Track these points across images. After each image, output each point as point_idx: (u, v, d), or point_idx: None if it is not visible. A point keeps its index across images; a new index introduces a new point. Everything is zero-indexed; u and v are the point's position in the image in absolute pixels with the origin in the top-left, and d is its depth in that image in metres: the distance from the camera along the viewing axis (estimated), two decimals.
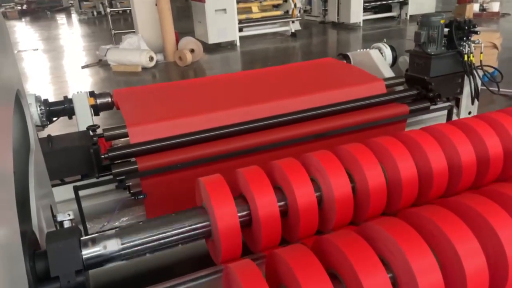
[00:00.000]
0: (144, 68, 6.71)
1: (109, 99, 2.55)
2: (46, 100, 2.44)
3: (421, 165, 1.53)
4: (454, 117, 2.65)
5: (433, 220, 1.15)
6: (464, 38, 2.55)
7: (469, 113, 2.78)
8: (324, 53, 7.76)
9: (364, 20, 9.78)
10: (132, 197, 1.94)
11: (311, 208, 1.40)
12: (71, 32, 12.62)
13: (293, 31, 9.00)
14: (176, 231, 1.29)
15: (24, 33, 12.39)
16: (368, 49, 3.00)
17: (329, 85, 2.62)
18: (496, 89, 2.60)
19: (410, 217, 1.22)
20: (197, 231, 1.32)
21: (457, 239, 1.10)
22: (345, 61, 3.12)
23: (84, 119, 2.21)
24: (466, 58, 2.54)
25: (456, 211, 1.21)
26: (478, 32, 2.52)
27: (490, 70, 2.77)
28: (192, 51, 6.95)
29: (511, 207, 1.20)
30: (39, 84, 6.51)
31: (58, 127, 2.78)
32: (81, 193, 1.87)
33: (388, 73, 2.84)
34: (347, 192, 1.43)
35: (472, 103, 2.63)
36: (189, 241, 1.33)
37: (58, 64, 8.00)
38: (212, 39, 8.03)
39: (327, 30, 9.78)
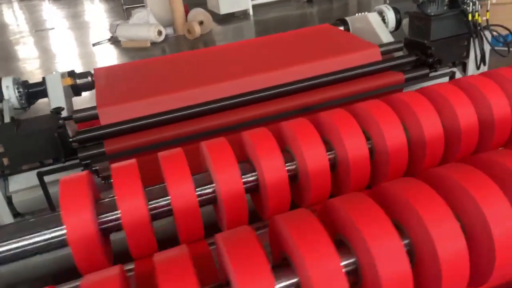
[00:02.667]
0: (154, 43, 6.60)
1: (90, 79, 2.47)
2: (25, 82, 2.38)
3: (448, 122, 1.38)
4: None
5: (456, 179, 0.99)
6: None
7: None
8: None
9: None
10: (102, 181, 1.87)
11: (323, 172, 1.29)
12: (90, 9, 12.60)
13: None
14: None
15: (46, 12, 12.49)
16: (366, 13, 2.76)
17: (320, 55, 2.43)
18: (506, 49, 2.34)
19: (430, 177, 1.07)
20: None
21: (486, 202, 0.94)
22: (342, 27, 2.90)
23: (57, 100, 2.14)
24: (470, 18, 2.28)
25: (485, 169, 1.03)
26: None
27: (504, 31, 2.49)
28: (201, 23, 6.77)
29: None
30: (46, 65, 6.54)
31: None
32: (52, 178, 1.82)
33: (387, 38, 2.61)
34: (363, 153, 1.32)
35: (478, 68, 2.38)
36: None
37: (71, 42, 8.02)
38: (224, 9, 7.78)
39: None
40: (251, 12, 8.09)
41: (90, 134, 1.89)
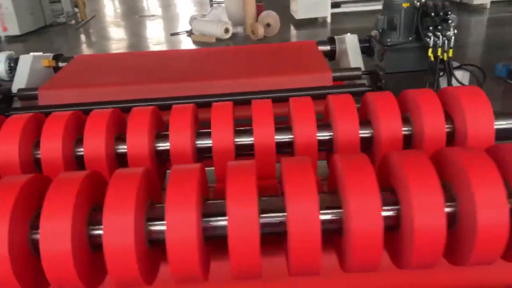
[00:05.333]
0: (220, 40, 6.88)
1: None
2: (17, 59, 2.74)
3: None
4: None
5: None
6: (437, 27, 2.03)
7: None
8: None
9: (493, 2, 8.29)
10: None
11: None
12: (183, 1, 13.39)
13: None
14: None
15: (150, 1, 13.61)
16: (347, 34, 2.59)
17: (275, 71, 2.37)
18: None
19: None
20: None
21: None
22: (328, 46, 2.76)
23: (20, 81, 2.41)
24: (430, 53, 2.02)
25: None
26: (450, 22, 1.98)
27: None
28: (268, 25, 6.86)
29: None
30: (126, 46, 7.21)
31: None
32: None
33: (357, 62, 2.43)
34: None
35: None
36: None
37: (158, 30, 8.72)
38: (301, 14, 7.77)
39: None
40: (329, 20, 7.94)
41: (22, 112, 2.12)
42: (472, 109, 1.25)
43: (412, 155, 0.98)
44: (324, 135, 1.37)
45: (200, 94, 2.22)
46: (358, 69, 2.29)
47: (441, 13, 1.97)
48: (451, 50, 2.01)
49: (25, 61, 2.50)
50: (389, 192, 0.95)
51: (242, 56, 2.68)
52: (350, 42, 2.50)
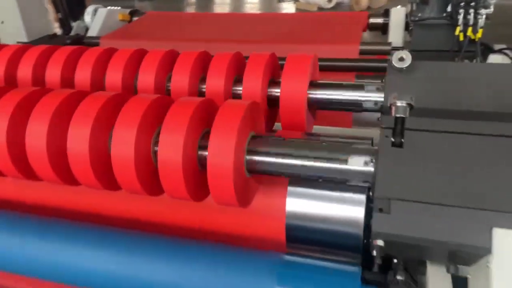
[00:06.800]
0: (321, 8, 6.78)
1: None
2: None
3: None
4: None
5: None
6: (469, 3, 1.83)
7: None
8: None
9: None
10: None
11: None
12: None
13: None
14: None
15: None
16: (397, 7, 2.44)
17: (308, 39, 2.39)
18: None
19: None
20: None
21: None
22: (381, 19, 2.63)
23: (93, 30, 2.82)
24: (458, 32, 1.85)
25: None
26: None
27: None
28: None
29: None
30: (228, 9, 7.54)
31: None
32: None
33: (396, 37, 2.30)
34: None
35: None
36: None
37: None
38: None
39: None
40: None
41: None
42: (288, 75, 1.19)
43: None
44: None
45: None
46: (388, 44, 2.19)
47: None
48: (480, 31, 1.82)
49: (101, 14, 2.91)
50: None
51: (288, 23, 2.73)
52: (395, 16, 2.37)
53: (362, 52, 2.20)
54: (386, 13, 2.63)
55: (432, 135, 0.75)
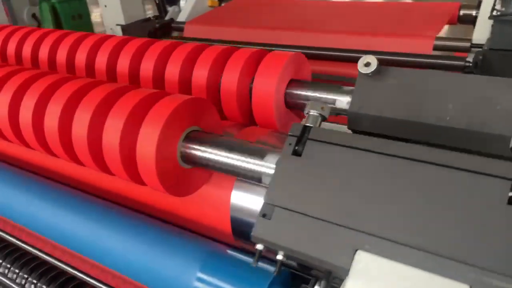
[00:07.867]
0: None
1: None
2: None
3: None
4: None
5: None
6: None
7: None
8: None
9: None
10: None
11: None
12: None
13: None
14: None
15: None
16: None
17: (384, 30, 2.27)
18: None
19: None
20: None
21: None
22: (474, 11, 2.38)
23: (182, 16, 3.02)
24: None
25: None
26: None
27: None
28: None
29: None
30: None
31: None
32: None
33: (479, 32, 2.07)
34: None
35: None
36: None
37: None
38: None
39: None
40: None
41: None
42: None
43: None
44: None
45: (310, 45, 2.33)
46: (467, 40, 2.00)
47: None
48: None
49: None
50: None
51: (368, 12, 2.62)
52: (484, 8, 2.13)
53: (436, 48, 2.04)
54: (479, 5, 2.38)
55: (329, 147, 0.72)
